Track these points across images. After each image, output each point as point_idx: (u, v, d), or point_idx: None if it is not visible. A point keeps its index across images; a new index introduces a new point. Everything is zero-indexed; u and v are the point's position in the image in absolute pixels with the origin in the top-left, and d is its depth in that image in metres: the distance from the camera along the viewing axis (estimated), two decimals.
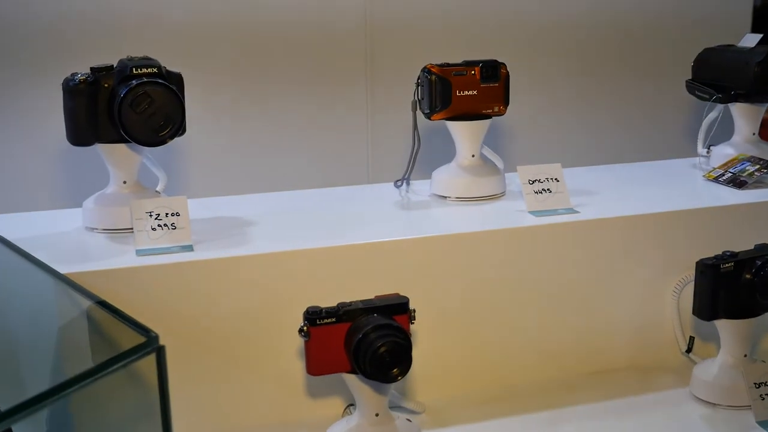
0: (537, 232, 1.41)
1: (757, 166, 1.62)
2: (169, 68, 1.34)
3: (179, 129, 1.31)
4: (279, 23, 1.93)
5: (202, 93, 1.68)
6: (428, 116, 1.53)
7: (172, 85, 1.30)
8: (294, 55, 1.93)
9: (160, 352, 0.87)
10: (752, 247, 1.36)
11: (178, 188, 1.72)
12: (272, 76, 1.92)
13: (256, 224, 1.43)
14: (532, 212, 1.45)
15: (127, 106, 1.27)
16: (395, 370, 1.10)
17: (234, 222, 1.45)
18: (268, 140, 1.93)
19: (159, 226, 1.30)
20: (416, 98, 1.54)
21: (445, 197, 1.56)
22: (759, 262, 1.31)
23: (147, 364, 0.86)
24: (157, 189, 1.44)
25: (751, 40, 1.70)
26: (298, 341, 1.19)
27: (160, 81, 1.29)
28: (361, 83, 1.97)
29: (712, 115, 1.72)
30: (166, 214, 1.31)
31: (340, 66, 1.96)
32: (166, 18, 1.83)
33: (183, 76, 1.35)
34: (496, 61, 1.53)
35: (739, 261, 1.32)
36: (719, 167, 1.67)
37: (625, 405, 1.38)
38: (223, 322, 1.28)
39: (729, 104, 1.69)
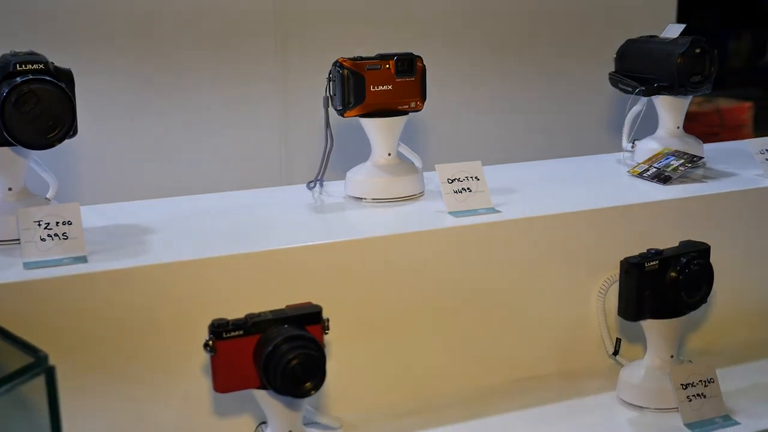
0: (457, 234, 1.44)
1: (682, 161, 1.68)
2: (57, 64, 1.32)
3: (69, 130, 1.29)
4: (183, 12, 1.90)
5: (95, 90, 1.66)
6: (341, 113, 1.54)
7: (61, 82, 1.29)
8: (199, 49, 1.91)
9: (50, 374, 0.86)
10: (677, 245, 1.42)
11: (69, 194, 1.70)
12: (174, 71, 1.90)
13: (155, 232, 1.42)
14: (451, 213, 1.48)
15: (10, 106, 1.25)
16: (308, 384, 1.11)
17: (132, 230, 1.43)
18: (169, 140, 1.91)
19: (49, 236, 1.28)
20: (328, 94, 1.55)
21: (361, 199, 1.57)
22: (684, 260, 1.37)
23: (36, 387, 0.86)
24: (47, 196, 1.42)
25: (674, 30, 1.75)
26: (204, 356, 1.18)
27: (47, 78, 1.27)
28: (272, 78, 1.97)
29: (636, 108, 1.78)
30: (57, 222, 1.29)
31: (248, 60, 1.96)
32: (59, 4, 1.79)
33: (73, 72, 1.34)
34: (411, 54, 1.55)
35: (664, 259, 1.37)
36: (644, 162, 1.72)
37: (551, 412, 1.42)
38: (121, 339, 1.27)
39: (653, 97, 1.75)
